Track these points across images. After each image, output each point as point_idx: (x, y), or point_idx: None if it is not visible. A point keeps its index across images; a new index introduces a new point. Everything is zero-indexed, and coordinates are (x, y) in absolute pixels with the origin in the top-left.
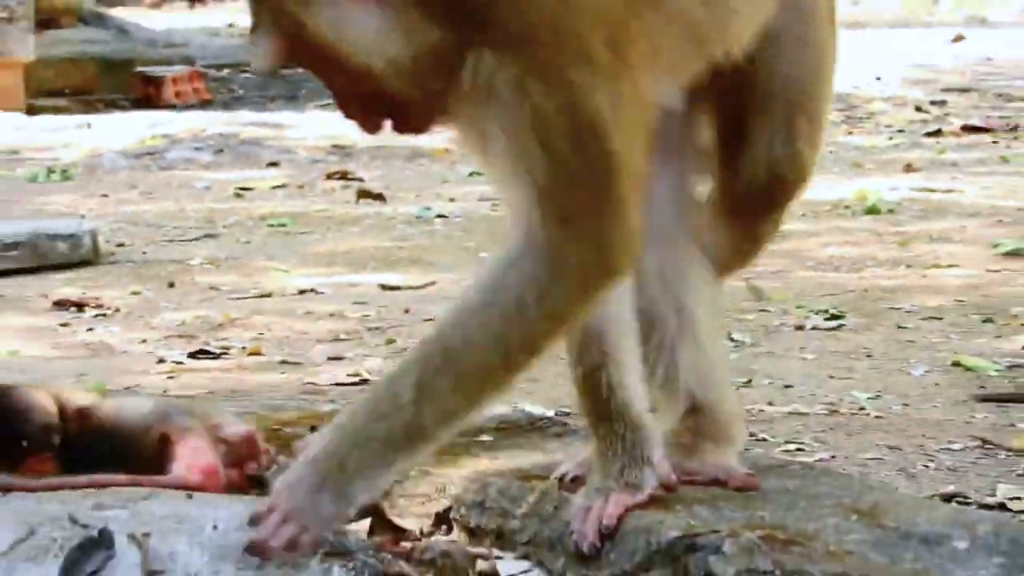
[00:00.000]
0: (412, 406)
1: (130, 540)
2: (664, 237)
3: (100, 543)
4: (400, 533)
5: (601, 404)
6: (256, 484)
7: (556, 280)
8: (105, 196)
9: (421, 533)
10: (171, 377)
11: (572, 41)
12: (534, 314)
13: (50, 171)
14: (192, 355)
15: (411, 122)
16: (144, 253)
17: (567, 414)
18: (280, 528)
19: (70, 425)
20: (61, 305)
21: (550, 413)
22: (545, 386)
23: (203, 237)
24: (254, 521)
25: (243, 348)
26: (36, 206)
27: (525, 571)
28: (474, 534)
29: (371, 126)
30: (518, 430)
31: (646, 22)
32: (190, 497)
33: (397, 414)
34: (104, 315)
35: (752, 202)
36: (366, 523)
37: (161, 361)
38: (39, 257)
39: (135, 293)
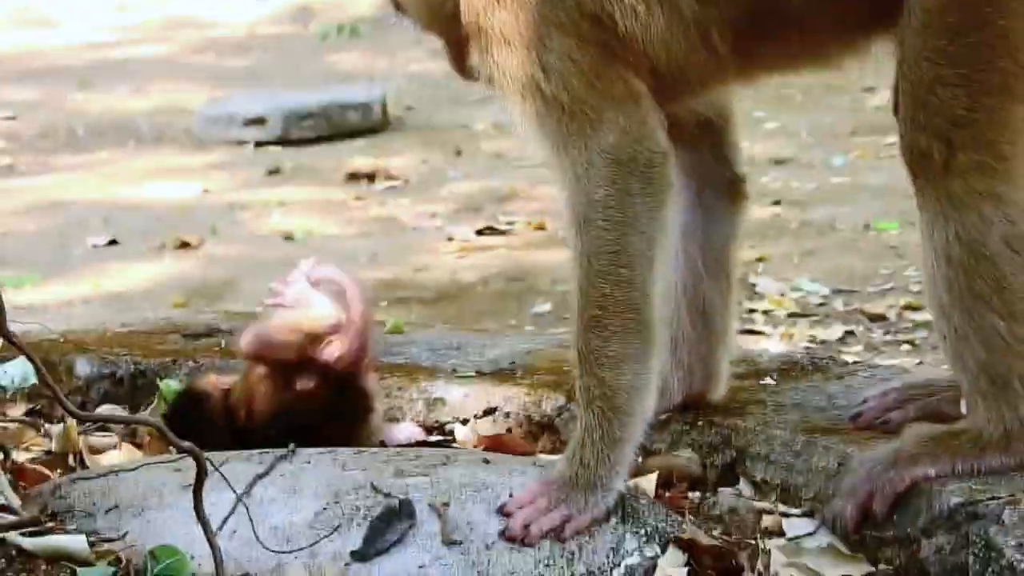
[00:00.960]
0: (594, 378)
1: (430, 509)
2: None
3: (402, 512)
4: (688, 482)
5: None
6: (546, 429)
7: (607, 189)
8: (392, 55)
9: (707, 483)
10: (460, 257)
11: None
12: (612, 228)
13: (339, 28)
14: (479, 232)
15: (453, 62)
16: (430, 118)
17: (840, 292)
18: (543, 517)
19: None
20: (354, 177)
21: (826, 290)
22: (821, 259)
23: (485, 98)
24: (503, 510)
25: (528, 222)
26: (326, 66)
27: (810, 532)
28: (760, 488)
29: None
30: (800, 371)
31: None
32: (487, 462)
33: (590, 394)
34: (394, 187)
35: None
36: (653, 476)
37: (450, 239)
38: (332, 126)
39: (424, 162)
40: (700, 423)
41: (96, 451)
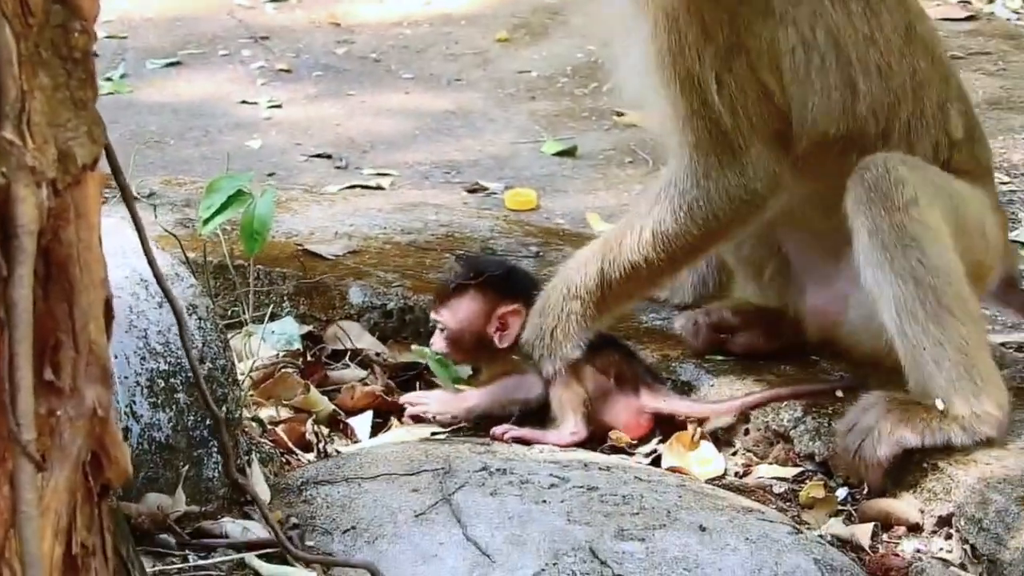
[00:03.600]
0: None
1: None
2: None
3: None
4: (906, 527)
5: None
6: (781, 439)
7: (705, 204)
8: None
9: (922, 530)
10: None
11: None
12: (686, 223)
13: None
14: None
15: None
16: None
17: None
18: None
19: None
20: None
21: None
22: None
23: None
24: None
25: None
26: None
27: None
28: (968, 554)
29: None
30: None
31: None
32: (703, 529)
33: (588, 296)
34: None
35: None
36: (869, 528)
37: None
38: None
39: None
40: (925, 465)
41: (334, 382)
